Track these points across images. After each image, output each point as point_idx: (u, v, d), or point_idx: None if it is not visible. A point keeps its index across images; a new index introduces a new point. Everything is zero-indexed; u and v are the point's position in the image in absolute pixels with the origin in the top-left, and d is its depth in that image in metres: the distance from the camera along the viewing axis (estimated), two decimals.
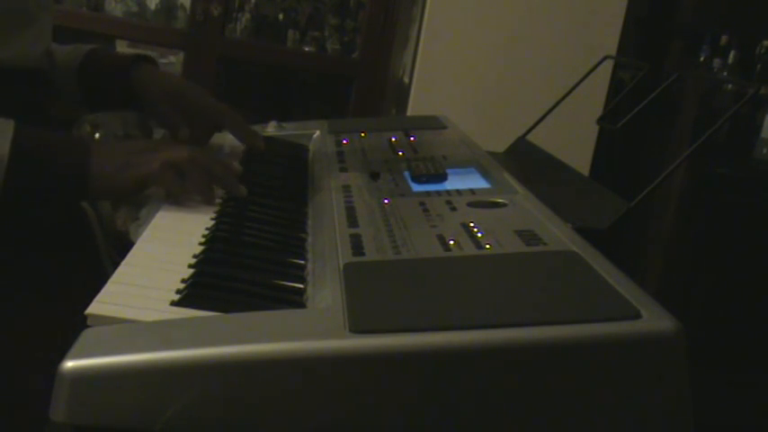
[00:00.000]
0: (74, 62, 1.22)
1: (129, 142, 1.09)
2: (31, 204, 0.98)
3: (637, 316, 0.63)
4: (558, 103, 1.42)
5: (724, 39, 2.46)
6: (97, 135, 1.48)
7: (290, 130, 1.45)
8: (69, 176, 0.94)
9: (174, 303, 0.71)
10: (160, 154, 0.98)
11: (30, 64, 1.09)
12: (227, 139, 1.30)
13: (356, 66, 2.60)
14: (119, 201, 1.13)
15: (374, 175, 1.08)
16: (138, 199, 1.04)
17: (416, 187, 1.03)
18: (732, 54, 2.45)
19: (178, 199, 0.99)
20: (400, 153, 1.21)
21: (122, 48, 2.97)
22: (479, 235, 0.82)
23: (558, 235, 0.82)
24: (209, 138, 1.28)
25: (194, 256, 0.82)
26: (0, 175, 0.90)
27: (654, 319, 0.63)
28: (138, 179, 0.97)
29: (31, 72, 1.10)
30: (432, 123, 1.44)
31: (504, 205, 0.94)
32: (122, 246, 1.03)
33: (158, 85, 1.22)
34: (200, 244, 0.86)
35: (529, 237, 0.82)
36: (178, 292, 0.74)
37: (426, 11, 2.33)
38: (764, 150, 2.37)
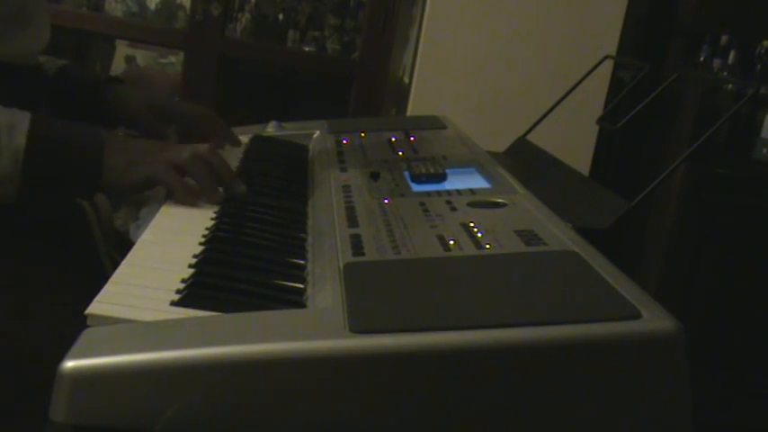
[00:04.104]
0: (47, 73, 1.23)
1: (138, 140, 1.10)
2: (44, 196, 1.00)
3: (637, 316, 0.63)
4: (558, 103, 1.42)
5: (724, 39, 2.46)
6: None
7: (290, 130, 1.45)
8: (84, 169, 0.97)
9: (173, 303, 0.71)
10: (164, 154, 1.00)
11: (28, 62, 1.10)
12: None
13: (356, 66, 2.60)
14: (123, 196, 1.14)
15: (374, 175, 1.08)
16: (138, 199, 1.04)
17: (416, 187, 1.03)
18: (732, 54, 2.44)
19: (181, 200, 0.99)
20: (400, 153, 1.21)
21: (122, 48, 2.98)
22: (479, 235, 0.82)
23: (558, 235, 0.82)
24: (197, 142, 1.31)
25: (194, 256, 0.82)
26: (17, 166, 0.91)
27: (654, 319, 0.63)
28: (143, 178, 0.99)
29: (29, 70, 1.10)
30: (432, 123, 1.44)
31: (504, 205, 0.94)
32: (122, 246, 1.03)
33: (136, 100, 1.27)
34: (200, 244, 0.86)
35: (529, 237, 0.81)
36: (178, 292, 0.74)
37: (426, 11, 2.33)
38: (764, 150, 2.37)
